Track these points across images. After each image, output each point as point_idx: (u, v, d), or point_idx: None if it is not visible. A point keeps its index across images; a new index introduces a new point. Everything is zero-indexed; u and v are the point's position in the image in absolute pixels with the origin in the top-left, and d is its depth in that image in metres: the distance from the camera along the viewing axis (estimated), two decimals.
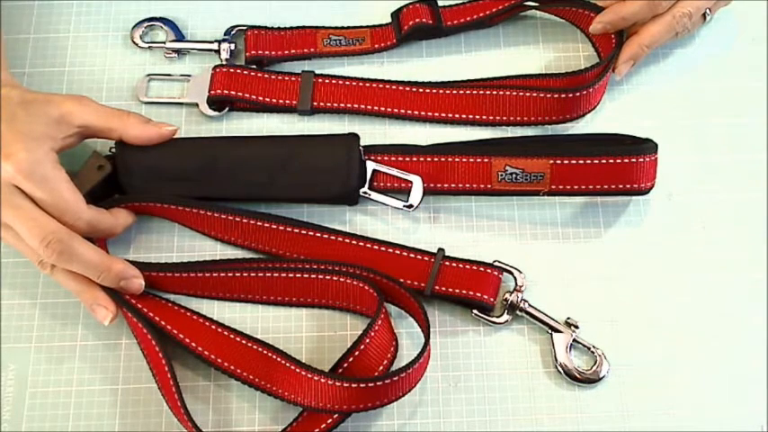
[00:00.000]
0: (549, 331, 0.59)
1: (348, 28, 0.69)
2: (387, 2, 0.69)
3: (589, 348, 0.59)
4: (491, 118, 0.65)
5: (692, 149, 0.65)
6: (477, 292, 0.59)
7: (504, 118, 0.65)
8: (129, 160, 0.61)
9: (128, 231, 0.62)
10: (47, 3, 0.70)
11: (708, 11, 0.65)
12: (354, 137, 0.62)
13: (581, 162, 0.60)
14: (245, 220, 0.61)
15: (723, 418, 0.58)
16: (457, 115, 0.66)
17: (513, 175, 0.61)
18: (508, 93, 0.64)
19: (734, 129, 0.66)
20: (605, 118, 0.66)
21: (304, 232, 0.61)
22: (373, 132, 0.65)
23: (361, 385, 0.53)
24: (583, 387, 0.58)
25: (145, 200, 0.61)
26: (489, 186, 0.61)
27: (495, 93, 0.65)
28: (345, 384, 0.53)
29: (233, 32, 0.68)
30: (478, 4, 0.68)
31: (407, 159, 0.62)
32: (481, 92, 0.65)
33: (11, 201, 0.54)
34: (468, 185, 0.61)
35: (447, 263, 0.60)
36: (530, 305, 0.59)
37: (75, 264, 0.55)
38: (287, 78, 0.66)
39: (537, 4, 0.68)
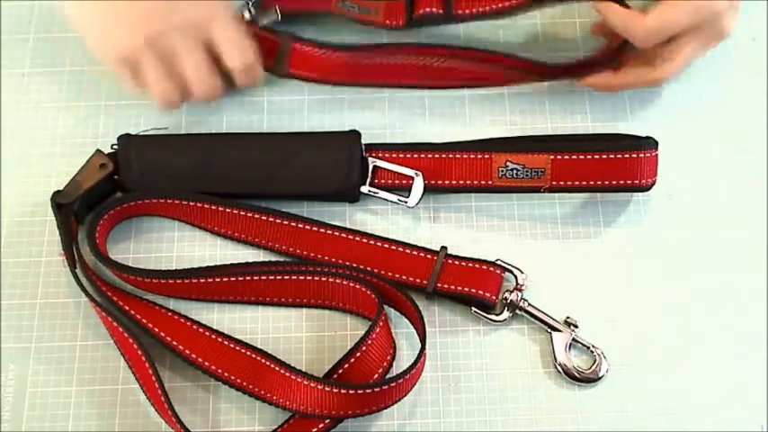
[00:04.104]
0: (549, 330, 0.59)
1: None
2: None
3: (588, 348, 0.59)
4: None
5: (692, 149, 0.65)
6: (479, 289, 0.58)
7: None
8: (130, 156, 0.61)
9: (128, 231, 0.62)
10: (47, 3, 0.70)
11: None
12: (356, 134, 0.62)
13: (582, 157, 0.60)
14: (249, 215, 0.61)
15: (723, 418, 0.58)
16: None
17: (514, 171, 0.60)
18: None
19: (734, 129, 0.66)
20: (605, 118, 0.66)
21: (308, 227, 0.61)
22: (373, 133, 0.65)
23: (354, 392, 0.53)
24: (582, 387, 0.58)
25: (147, 197, 0.61)
26: (490, 183, 0.61)
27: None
28: (335, 390, 0.53)
29: None
30: None
31: (408, 156, 0.62)
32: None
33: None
34: (468, 182, 0.61)
35: (450, 260, 0.60)
36: (529, 304, 0.59)
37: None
38: None
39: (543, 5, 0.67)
